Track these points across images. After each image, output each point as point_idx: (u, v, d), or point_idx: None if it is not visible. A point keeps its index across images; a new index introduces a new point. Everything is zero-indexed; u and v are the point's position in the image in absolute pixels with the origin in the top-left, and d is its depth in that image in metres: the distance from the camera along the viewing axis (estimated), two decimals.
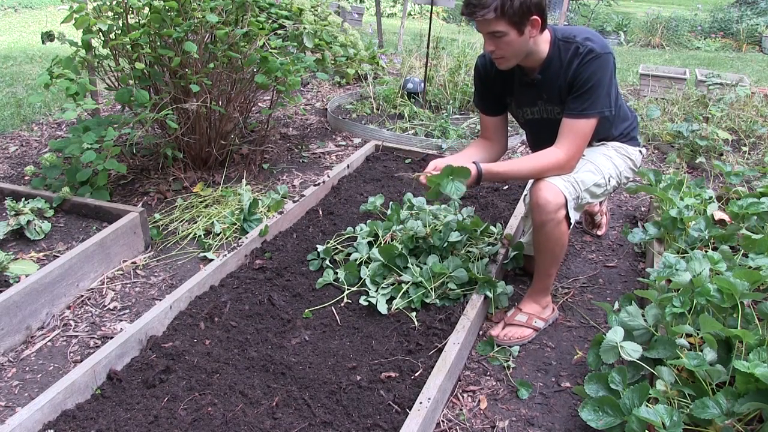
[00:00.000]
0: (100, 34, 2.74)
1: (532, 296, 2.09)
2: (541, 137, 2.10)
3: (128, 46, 2.77)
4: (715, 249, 2.18)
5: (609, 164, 2.09)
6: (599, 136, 2.13)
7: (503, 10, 1.75)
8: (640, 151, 2.23)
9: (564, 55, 1.91)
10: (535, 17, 1.80)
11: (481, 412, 1.75)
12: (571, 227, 2.01)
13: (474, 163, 1.90)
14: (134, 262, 2.44)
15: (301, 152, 3.64)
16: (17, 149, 3.53)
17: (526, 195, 2.28)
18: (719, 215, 2.40)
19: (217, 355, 1.86)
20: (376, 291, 2.14)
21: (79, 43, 2.76)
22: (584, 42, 1.88)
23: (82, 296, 2.22)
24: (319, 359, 1.86)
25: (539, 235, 1.95)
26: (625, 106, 2.21)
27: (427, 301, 2.10)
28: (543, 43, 1.92)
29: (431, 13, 4.49)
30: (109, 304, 2.20)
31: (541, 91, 2.01)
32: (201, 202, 2.89)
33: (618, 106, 2.09)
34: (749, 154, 3.63)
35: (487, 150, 2.19)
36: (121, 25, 2.79)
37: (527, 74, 2.02)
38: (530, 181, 2.00)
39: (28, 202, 2.49)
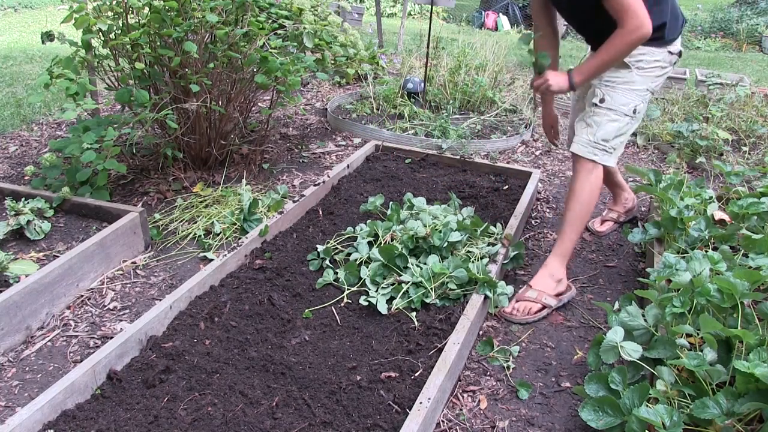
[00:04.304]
0: (100, 34, 2.74)
1: (548, 266, 2.12)
2: (579, 23, 2.24)
3: (128, 46, 2.77)
4: (715, 249, 2.18)
5: (629, 98, 2.12)
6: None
7: None
8: (670, 52, 2.13)
9: None
10: None
11: (481, 412, 1.75)
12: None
13: (568, 71, 2.08)
14: (134, 262, 2.44)
15: (301, 152, 3.64)
16: (17, 149, 3.53)
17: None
18: (719, 215, 2.39)
19: (217, 355, 1.86)
20: (376, 291, 2.14)
21: (79, 43, 2.76)
22: None
23: (82, 296, 2.22)
24: (319, 359, 1.86)
25: (574, 180, 2.16)
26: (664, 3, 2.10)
27: (427, 301, 2.10)
28: None
29: (431, 13, 4.50)
30: (109, 304, 2.20)
31: None
32: (201, 202, 2.89)
33: None
34: (749, 154, 3.63)
35: (550, 42, 2.35)
36: (121, 25, 2.79)
37: None
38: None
39: (28, 202, 2.49)
